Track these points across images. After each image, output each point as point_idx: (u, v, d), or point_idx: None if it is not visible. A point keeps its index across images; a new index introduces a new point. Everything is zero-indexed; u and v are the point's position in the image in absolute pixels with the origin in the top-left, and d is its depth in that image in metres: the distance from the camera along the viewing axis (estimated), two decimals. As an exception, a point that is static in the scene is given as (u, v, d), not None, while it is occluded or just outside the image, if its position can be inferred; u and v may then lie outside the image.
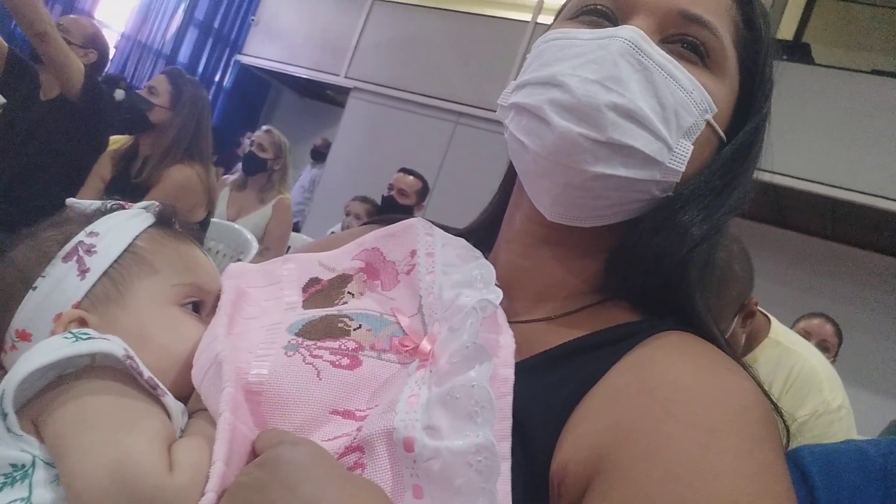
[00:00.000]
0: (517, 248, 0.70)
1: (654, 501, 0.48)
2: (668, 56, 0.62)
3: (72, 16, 3.05)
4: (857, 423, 2.44)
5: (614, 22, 0.65)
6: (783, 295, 5.07)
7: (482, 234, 0.78)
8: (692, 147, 0.62)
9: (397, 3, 7.22)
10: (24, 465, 0.51)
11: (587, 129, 0.59)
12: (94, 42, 2.86)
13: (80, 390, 0.52)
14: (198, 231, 0.73)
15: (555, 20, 0.73)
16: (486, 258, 0.69)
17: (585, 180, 0.61)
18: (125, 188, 2.63)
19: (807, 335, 2.98)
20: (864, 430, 3.15)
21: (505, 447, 0.53)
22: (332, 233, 4.01)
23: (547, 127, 0.61)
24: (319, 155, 7.36)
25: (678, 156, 0.62)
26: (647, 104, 0.60)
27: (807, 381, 1.95)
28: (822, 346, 2.96)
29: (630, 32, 0.61)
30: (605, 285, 0.68)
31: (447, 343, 0.57)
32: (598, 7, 0.66)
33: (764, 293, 1.77)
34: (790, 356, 1.99)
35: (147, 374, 0.55)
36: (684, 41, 0.63)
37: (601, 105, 0.59)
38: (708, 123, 0.63)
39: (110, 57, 3.01)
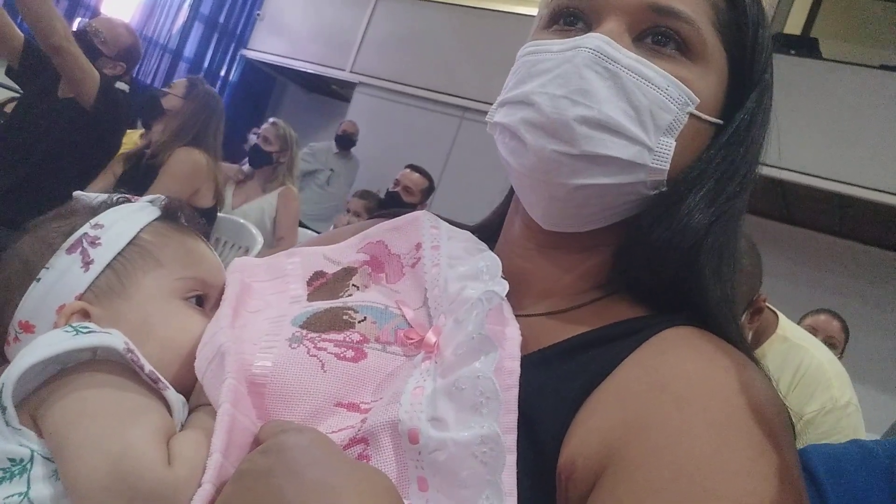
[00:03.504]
0: (518, 250, 0.71)
1: (662, 499, 0.47)
2: (637, 56, 0.61)
3: (109, 19, 2.96)
4: (864, 420, 2.43)
5: (587, 23, 0.64)
6: (790, 291, 5.05)
7: (490, 232, 0.78)
8: (674, 143, 0.62)
9: (403, -3, 7.22)
10: (22, 460, 0.50)
11: (560, 146, 0.60)
12: (127, 55, 2.85)
13: (79, 384, 0.52)
14: (205, 225, 0.73)
15: (533, 29, 0.72)
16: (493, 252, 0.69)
17: (568, 192, 0.62)
18: (135, 181, 2.65)
19: (813, 331, 2.97)
20: (870, 426, 3.14)
21: (510, 439, 0.53)
22: (335, 227, 4.02)
23: (524, 146, 0.62)
24: (345, 142, 6.08)
25: (660, 155, 0.61)
26: (618, 111, 0.60)
27: (815, 377, 1.94)
28: (829, 343, 2.94)
29: (594, 41, 0.61)
30: (610, 280, 0.67)
31: (453, 335, 0.57)
32: (570, 9, 0.66)
33: (771, 289, 1.76)
34: (798, 352, 1.99)
35: (148, 367, 0.54)
36: (657, 35, 0.63)
37: (570, 120, 0.59)
38: (692, 115, 0.63)
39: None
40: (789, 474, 0.49)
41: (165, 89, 2.95)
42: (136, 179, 2.68)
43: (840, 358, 3.05)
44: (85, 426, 0.50)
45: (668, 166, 0.62)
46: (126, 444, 0.48)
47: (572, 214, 0.64)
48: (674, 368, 0.55)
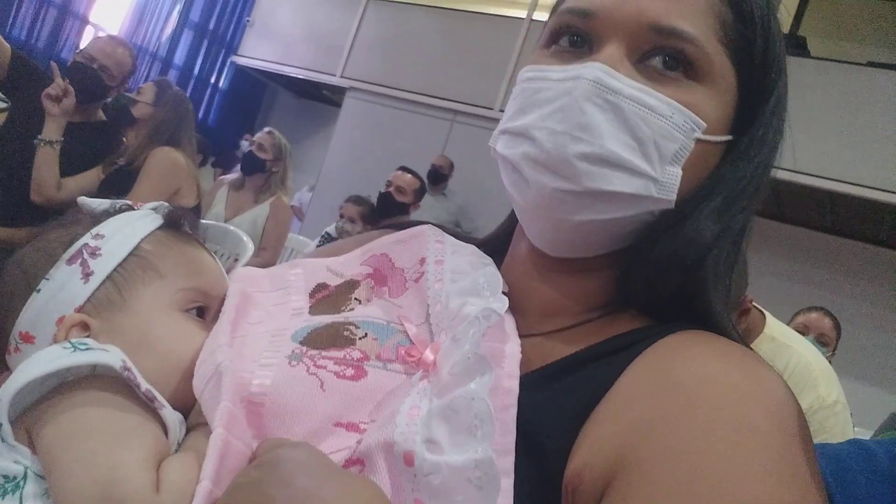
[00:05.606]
0: (523, 269, 0.69)
1: (676, 501, 0.45)
2: (639, 85, 0.59)
3: (109, 45, 2.86)
4: (857, 416, 2.43)
5: (588, 43, 0.62)
6: (783, 289, 5.08)
7: (497, 246, 0.76)
8: (681, 172, 0.59)
9: (392, 1, 7.22)
10: (15, 477, 0.50)
11: (562, 183, 0.58)
12: (128, 76, 2.83)
13: (75, 401, 0.52)
14: (205, 231, 0.73)
15: (535, 45, 0.71)
16: (500, 267, 0.68)
17: (573, 226, 0.60)
18: (114, 187, 2.64)
19: (805, 329, 2.98)
20: (864, 422, 3.15)
21: (508, 462, 0.51)
22: (327, 233, 4.01)
23: (525, 182, 0.60)
24: (439, 177, 5.58)
25: (666, 185, 0.59)
26: (620, 144, 0.57)
27: (802, 377, 1.95)
28: (821, 341, 2.96)
29: (594, 71, 0.58)
30: (615, 298, 0.66)
31: (449, 353, 0.56)
32: (570, 28, 0.64)
33: (764, 287, 1.77)
34: (785, 352, 2.00)
35: (144, 386, 0.54)
36: (661, 58, 0.60)
37: (570, 157, 0.57)
38: (699, 140, 0.60)
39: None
40: (809, 476, 0.47)
41: (133, 96, 2.88)
42: (116, 185, 2.65)
43: (832, 355, 3.07)
44: (76, 447, 0.50)
45: (674, 196, 0.59)
46: (114, 468, 0.48)
47: (578, 244, 0.63)
48: (686, 367, 0.53)
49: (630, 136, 0.58)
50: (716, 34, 0.60)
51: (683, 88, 0.60)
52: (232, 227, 3.09)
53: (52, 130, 2.50)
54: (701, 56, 0.59)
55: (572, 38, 0.64)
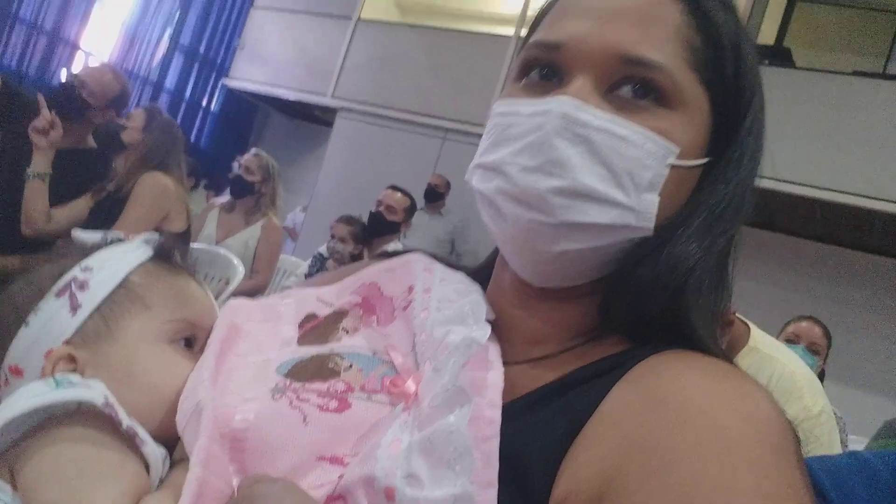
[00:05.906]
0: (508, 299, 0.69)
1: None
2: (609, 116, 0.58)
3: (96, 69, 2.88)
4: (851, 424, 2.42)
5: (559, 75, 0.63)
6: (774, 297, 5.08)
7: (487, 275, 0.75)
8: (658, 198, 0.59)
9: (381, 22, 7.28)
10: None
11: (537, 215, 0.58)
12: (116, 102, 2.83)
13: (56, 439, 0.52)
14: (196, 261, 0.73)
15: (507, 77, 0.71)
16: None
17: (553, 257, 0.60)
18: (102, 216, 2.65)
19: (796, 338, 2.99)
20: (857, 429, 3.15)
21: (490, 494, 0.50)
22: (319, 253, 4.01)
23: (502, 216, 0.61)
24: (435, 196, 5.76)
25: (643, 213, 0.59)
26: (594, 177, 0.57)
27: (786, 388, 1.95)
28: (812, 349, 2.96)
29: (563, 105, 0.58)
30: (600, 323, 0.65)
31: (430, 384, 0.56)
32: (539, 61, 0.64)
33: (755, 296, 1.78)
34: (770, 363, 2.00)
35: (126, 423, 0.54)
36: (630, 86, 0.60)
37: (543, 192, 0.57)
38: (674, 166, 0.60)
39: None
40: (798, 493, 0.46)
41: (123, 122, 2.87)
42: (105, 213, 2.66)
43: (823, 364, 3.07)
44: (55, 487, 0.50)
45: (653, 223, 0.59)
46: None
47: (559, 274, 0.63)
48: (671, 385, 0.52)
49: (603, 168, 0.58)
50: (685, 60, 0.60)
51: (654, 116, 0.59)
52: (222, 251, 3.09)
53: (41, 163, 2.50)
54: (670, 84, 0.59)
55: (542, 71, 0.64)
